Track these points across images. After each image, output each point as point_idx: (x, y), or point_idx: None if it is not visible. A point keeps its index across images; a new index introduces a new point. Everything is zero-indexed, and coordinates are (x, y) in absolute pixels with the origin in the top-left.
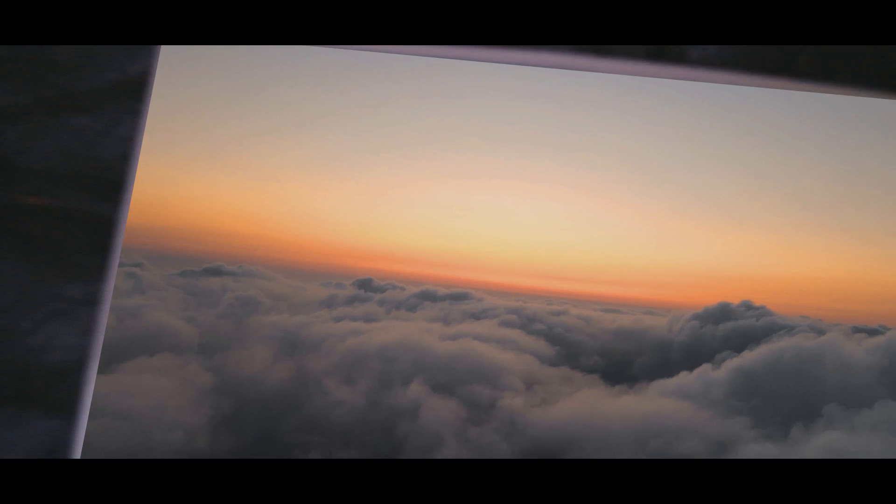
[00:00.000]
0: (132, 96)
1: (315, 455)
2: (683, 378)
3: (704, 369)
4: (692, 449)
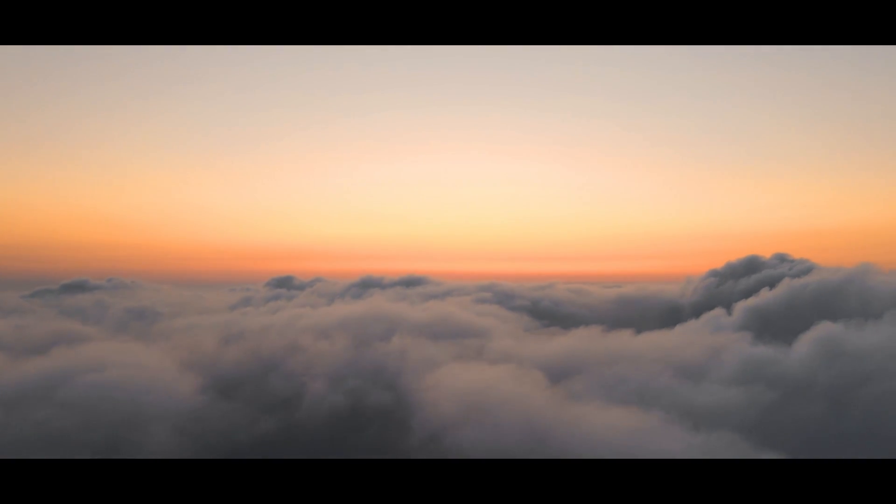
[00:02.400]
0: None
1: (319, 386)
2: (689, 324)
3: (716, 314)
4: (684, 358)
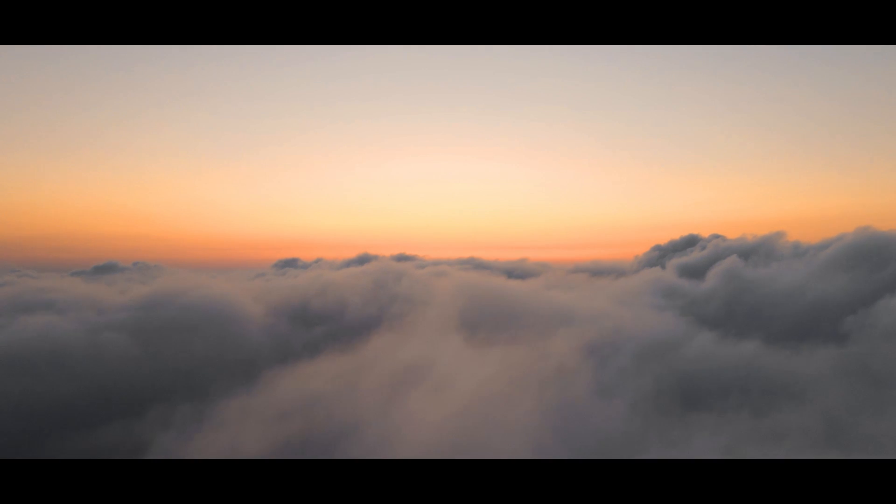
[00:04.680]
0: None
1: (356, 301)
2: (631, 277)
3: (652, 270)
4: (623, 288)
